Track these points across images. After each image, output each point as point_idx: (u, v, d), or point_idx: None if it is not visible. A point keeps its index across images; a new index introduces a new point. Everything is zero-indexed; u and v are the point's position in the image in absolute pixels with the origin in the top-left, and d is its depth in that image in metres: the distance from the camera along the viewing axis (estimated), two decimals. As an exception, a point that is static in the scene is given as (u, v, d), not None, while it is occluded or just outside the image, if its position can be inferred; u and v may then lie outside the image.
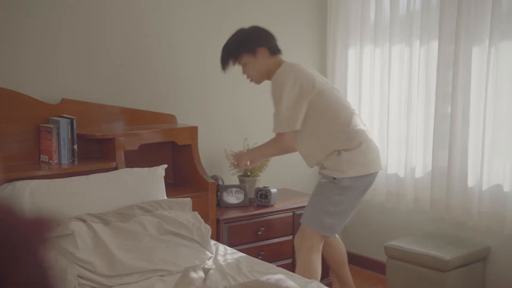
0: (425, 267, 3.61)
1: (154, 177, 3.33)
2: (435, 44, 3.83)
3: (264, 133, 4.24)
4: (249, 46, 3.22)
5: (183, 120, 3.85)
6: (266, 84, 4.29)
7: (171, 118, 3.79)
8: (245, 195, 3.90)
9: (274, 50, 3.29)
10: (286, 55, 4.36)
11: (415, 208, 3.98)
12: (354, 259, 4.36)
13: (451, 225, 3.90)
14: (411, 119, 4.00)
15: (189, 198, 3.20)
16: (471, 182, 3.63)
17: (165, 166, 3.45)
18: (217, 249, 3.09)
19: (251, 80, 3.34)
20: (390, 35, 4.08)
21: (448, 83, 3.76)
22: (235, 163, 3.51)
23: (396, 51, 4.07)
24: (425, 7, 3.87)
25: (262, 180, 4.05)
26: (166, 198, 3.27)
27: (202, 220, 3.07)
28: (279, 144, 3.30)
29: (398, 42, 4.06)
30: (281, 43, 4.32)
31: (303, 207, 3.49)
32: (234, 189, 3.90)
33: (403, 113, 4.06)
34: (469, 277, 3.68)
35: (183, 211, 3.06)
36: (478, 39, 3.58)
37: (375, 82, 4.24)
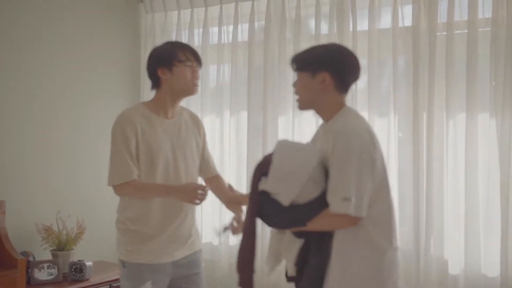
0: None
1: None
2: (244, 114, 4.05)
3: (77, 205, 4.14)
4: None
5: (-11, 194, 3.63)
6: (77, 155, 4.22)
7: (-25, 192, 3.56)
8: (59, 270, 3.73)
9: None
10: (100, 126, 4.35)
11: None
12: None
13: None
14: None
15: (-5, 279, 2.99)
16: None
17: (-32, 245, 3.20)
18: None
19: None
20: (201, 105, 4.23)
21: (258, 150, 3.96)
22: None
23: (208, 120, 4.21)
24: (233, 79, 4.10)
25: (77, 253, 3.91)
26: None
27: (10, 301, 2.89)
28: None
29: (209, 113, 4.24)
30: (96, 113, 4.32)
31: (118, 279, 3.40)
32: (46, 265, 3.72)
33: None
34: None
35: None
36: (283, 110, 3.85)
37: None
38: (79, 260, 3.78)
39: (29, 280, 3.63)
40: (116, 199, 4.45)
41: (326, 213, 2.29)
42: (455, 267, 3.29)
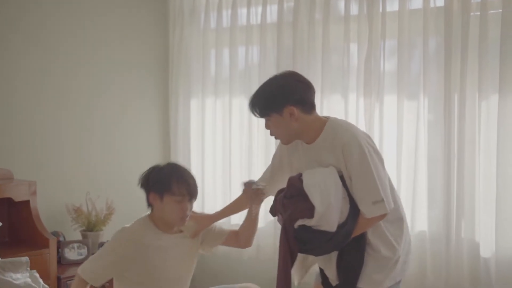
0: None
1: (-14, 238, 3.12)
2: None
3: (106, 186, 4.18)
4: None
5: (20, 175, 3.68)
6: (107, 136, 4.25)
7: (6, 173, 3.60)
8: (88, 250, 3.78)
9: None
10: (126, 105, 4.37)
11: (258, 256, 4.06)
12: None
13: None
14: (252, 167, 4.14)
15: (26, 257, 3.03)
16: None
17: None
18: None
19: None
20: (230, 87, 4.22)
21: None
22: None
23: (237, 103, 4.21)
24: (262, 61, 4.06)
25: (106, 234, 3.95)
26: (0, 259, 3.08)
27: (40, 280, 2.93)
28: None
29: (238, 94, 4.21)
30: (121, 91, 4.34)
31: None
32: (76, 245, 3.77)
33: (245, 161, 4.19)
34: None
35: (19, 272, 2.90)
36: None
37: (217, 133, 4.35)
38: (108, 241, 3.81)
39: (60, 259, 3.68)
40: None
41: (362, 219, 2.44)
42: (486, 250, 3.24)
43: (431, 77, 3.43)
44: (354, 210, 2.44)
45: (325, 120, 2.54)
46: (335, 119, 2.58)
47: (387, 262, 2.49)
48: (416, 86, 3.48)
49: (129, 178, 4.35)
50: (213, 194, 4.41)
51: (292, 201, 2.49)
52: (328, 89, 3.78)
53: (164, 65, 4.61)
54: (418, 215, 3.47)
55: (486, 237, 3.26)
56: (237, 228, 2.95)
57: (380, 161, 2.47)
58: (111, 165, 4.29)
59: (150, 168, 2.79)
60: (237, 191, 4.17)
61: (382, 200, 2.39)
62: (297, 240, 2.47)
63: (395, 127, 3.53)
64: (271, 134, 2.58)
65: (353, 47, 3.72)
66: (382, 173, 2.44)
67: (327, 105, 3.79)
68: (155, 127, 4.61)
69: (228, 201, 4.16)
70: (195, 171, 4.48)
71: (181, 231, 2.81)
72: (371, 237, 2.49)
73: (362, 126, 3.60)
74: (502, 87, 3.18)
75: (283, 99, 2.46)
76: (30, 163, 3.84)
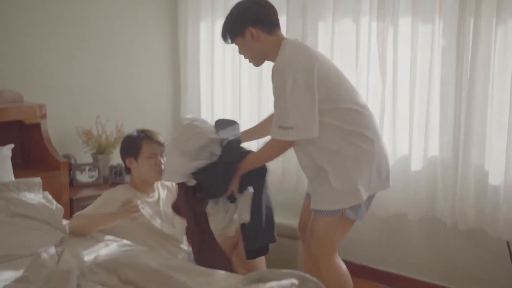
0: (278, 236, 3.74)
1: (-1, 158, 3.16)
2: (283, 19, 3.94)
3: (116, 109, 4.18)
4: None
5: (30, 98, 3.68)
6: (116, 60, 4.23)
7: (16, 96, 3.60)
8: (99, 173, 3.82)
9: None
10: (135, 30, 4.33)
11: (283, 182, 4.09)
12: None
13: (302, 195, 4.06)
14: (262, 91, 4.11)
15: (38, 178, 3.07)
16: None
17: (12, 146, 3.28)
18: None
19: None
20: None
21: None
22: None
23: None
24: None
25: (116, 157, 3.98)
26: (13, 179, 3.13)
27: (53, 200, 2.98)
28: None
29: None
30: (130, 16, 4.29)
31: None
32: (87, 167, 3.81)
33: (255, 85, 4.16)
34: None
35: (33, 192, 2.94)
36: (323, 16, 3.74)
37: (227, 56, 4.30)
38: (118, 164, 3.86)
39: (71, 182, 3.73)
40: (155, 104, 4.50)
41: (269, 142, 2.66)
42: (496, 178, 3.23)
43: (447, -1, 3.34)
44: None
45: (281, 42, 2.67)
46: (288, 40, 2.71)
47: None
48: (431, 8, 3.38)
49: (138, 101, 4.38)
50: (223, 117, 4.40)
51: None
52: (340, 13, 3.69)
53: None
54: (430, 140, 3.46)
55: (496, 164, 3.23)
56: None
57: (310, 88, 2.53)
58: (120, 88, 4.28)
59: (122, 139, 3.18)
60: (247, 114, 4.20)
61: (291, 128, 2.54)
62: (196, 192, 2.71)
63: (409, 52, 3.46)
64: (245, 58, 2.79)
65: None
66: (303, 100, 2.53)
67: (338, 30, 3.71)
68: (165, 50, 4.57)
69: (240, 126, 4.20)
70: (204, 94, 4.47)
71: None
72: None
73: (374, 52, 3.55)
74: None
75: (242, 22, 2.65)
76: (40, 86, 3.83)
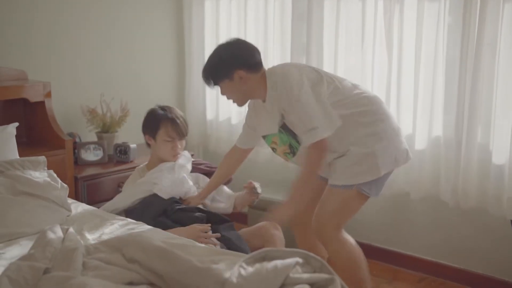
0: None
1: (4, 136, 3.17)
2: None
3: (120, 88, 4.18)
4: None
5: (34, 76, 3.67)
6: (121, 38, 4.21)
7: (20, 74, 3.60)
8: (104, 151, 3.83)
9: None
10: (140, 9, 4.30)
11: (272, 159, 4.09)
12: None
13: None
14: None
15: (43, 157, 3.07)
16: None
17: (16, 124, 3.29)
18: (76, 208, 3.02)
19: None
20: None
21: (302, 35, 3.87)
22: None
23: (252, 3, 4.12)
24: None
25: (121, 136, 3.99)
26: (18, 158, 3.13)
27: (58, 179, 2.98)
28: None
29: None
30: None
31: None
32: (92, 146, 3.81)
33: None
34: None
35: (37, 171, 2.95)
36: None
37: (232, 35, 4.27)
38: (123, 142, 3.86)
39: (76, 160, 3.73)
40: (160, 83, 4.50)
41: (308, 151, 2.74)
42: (500, 157, 3.22)
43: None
44: None
45: (264, 75, 2.80)
46: (269, 68, 2.86)
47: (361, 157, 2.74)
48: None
49: (143, 80, 4.37)
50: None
51: None
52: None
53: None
54: (435, 119, 3.45)
55: (500, 144, 3.22)
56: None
57: (315, 86, 2.70)
58: (125, 67, 4.27)
59: (146, 113, 3.21)
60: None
61: (317, 127, 2.65)
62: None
63: (414, 31, 3.43)
64: (228, 99, 2.89)
65: None
66: (316, 98, 2.67)
67: (344, 9, 3.68)
68: (170, 29, 4.55)
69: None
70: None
71: None
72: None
73: (380, 31, 3.53)
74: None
75: (231, 66, 2.75)
76: (45, 64, 3.82)
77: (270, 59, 4.06)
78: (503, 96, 3.19)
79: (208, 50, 4.41)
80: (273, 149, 3.01)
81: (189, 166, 3.23)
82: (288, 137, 2.87)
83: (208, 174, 3.34)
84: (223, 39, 4.27)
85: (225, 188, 3.33)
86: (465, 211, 3.40)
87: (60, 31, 3.88)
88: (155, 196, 3.01)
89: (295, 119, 2.73)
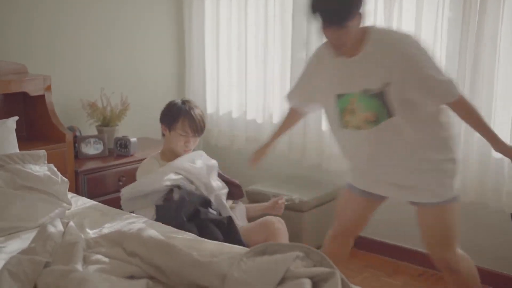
0: (285, 209, 3.77)
1: (4, 130, 3.17)
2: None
3: (121, 82, 4.17)
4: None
5: (35, 70, 3.67)
6: (121, 32, 4.21)
7: (20, 67, 3.59)
8: (104, 145, 3.83)
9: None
10: (140, 4, 4.29)
11: (274, 152, 4.09)
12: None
13: (307, 168, 4.07)
14: (268, 66, 4.09)
15: (43, 150, 3.07)
16: (325, 125, 3.79)
17: (16, 118, 3.28)
18: (76, 202, 3.02)
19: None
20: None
21: (302, 30, 3.86)
22: None
23: (252, 0, 4.12)
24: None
25: (121, 129, 3.99)
26: (18, 151, 3.13)
27: (58, 173, 2.98)
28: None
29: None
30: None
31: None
32: (92, 140, 3.81)
33: (261, 60, 4.14)
34: (324, 216, 3.89)
35: (38, 164, 2.95)
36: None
37: (232, 32, 4.28)
38: (123, 136, 3.86)
39: (76, 154, 3.73)
40: (160, 77, 4.49)
41: (462, 105, 2.50)
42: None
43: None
44: None
45: (365, 29, 2.46)
46: (375, 26, 2.58)
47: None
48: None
49: (143, 74, 4.37)
50: (228, 92, 4.40)
51: None
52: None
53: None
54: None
55: (500, 136, 3.21)
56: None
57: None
58: (126, 61, 4.26)
59: (167, 103, 3.27)
60: (252, 89, 4.19)
61: (453, 80, 2.47)
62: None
63: (414, 25, 3.42)
64: (344, 45, 2.44)
65: None
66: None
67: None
68: (170, 24, 4.54)
69: (243, 99, 4.22)
70: (209, 68, 4.45)
71: None
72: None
73: (380, 23, 3.52)
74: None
75: (359, 3, 2.39)
76: (45, 58, 3.82)
77: (270, 54, 4.05)
78: (502, 90, 3.19)
79: (209, 41, 4.41)
80: (343, 110, 2.57)
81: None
82: (379, 106, 2.49)
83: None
84: (223, 36, 4.31)
85: (240, 205, 3.34)
86: (464, 204, 3.40)
87: (60, 25, 3.87)
88: (190, 193, 2.97)
89: (416, 82, 2.42)
